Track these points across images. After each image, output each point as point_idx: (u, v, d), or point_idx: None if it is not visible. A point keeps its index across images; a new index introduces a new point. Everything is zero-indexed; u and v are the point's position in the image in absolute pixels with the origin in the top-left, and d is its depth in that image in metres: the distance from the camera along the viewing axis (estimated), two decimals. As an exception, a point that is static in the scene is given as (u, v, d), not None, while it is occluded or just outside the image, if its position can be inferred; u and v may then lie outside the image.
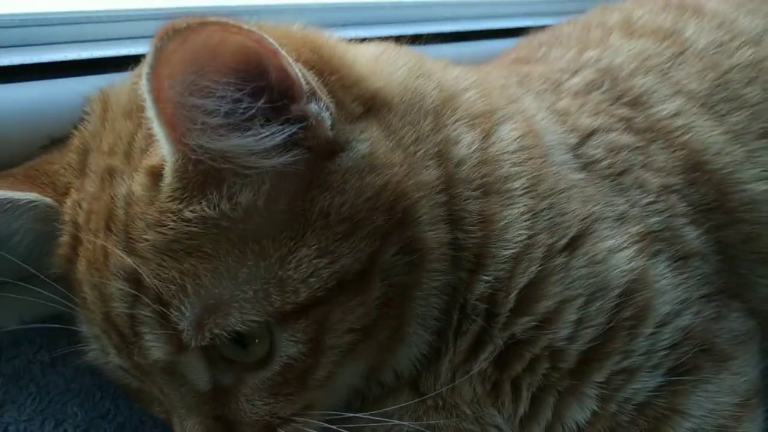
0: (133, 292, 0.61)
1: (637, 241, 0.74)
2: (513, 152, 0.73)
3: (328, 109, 0.62)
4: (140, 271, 0.60)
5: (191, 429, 0.66)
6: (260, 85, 0.58)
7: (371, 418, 0.70)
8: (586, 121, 0.81)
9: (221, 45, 0.54)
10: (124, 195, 0.62)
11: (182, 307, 0.59)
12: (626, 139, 0.82)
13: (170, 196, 0.60)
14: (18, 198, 0.69)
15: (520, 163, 0.73)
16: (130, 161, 0.64)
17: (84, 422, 0.80)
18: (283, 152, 0.60)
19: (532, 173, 0.72)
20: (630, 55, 0.91)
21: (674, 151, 0.83)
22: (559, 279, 0.70)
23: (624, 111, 0.85)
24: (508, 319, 0.70)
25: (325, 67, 0.66)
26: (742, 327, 0.79)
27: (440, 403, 0.73)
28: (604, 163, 0.78)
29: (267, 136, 0.59)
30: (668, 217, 0.77)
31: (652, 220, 0.76)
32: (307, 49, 0.66)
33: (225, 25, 0.53)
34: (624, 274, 0.71)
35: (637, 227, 0.75)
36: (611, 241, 0.72)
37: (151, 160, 0.61)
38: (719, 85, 0.89)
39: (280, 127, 0.59)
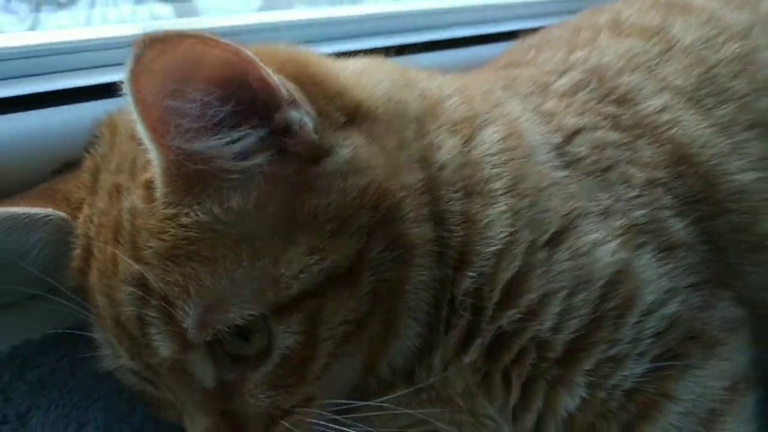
0: (141, 294, 0.65)
1: (621, 234, 0.76)
2: (494, 154, 0.76)
3: (309, 115, 0.66)
4: (146, 276, 0.64)
5: (200, 425, 0.69)
6: (242, 94, 0.62)
7: (376, 404, 0.73)
8: (572, 121, 0.83)
9: (202, 56, 0.59)
10: (129, 209, 0.67)
11: (186, 307, 0.63)
12: (612, 136, 0.83)
13: (165, 202, 0.64)
14: (35, 213, 0.73)
15: (500, 164, 0.75)
16: (134, 178, 0.69)
17: (104, 425, 0.86)
18: (256, 154, 0.65)
19: (513, 173, 0.75)
20: (617, 54, 0.92)
21: (660, 145, 0.84)
22: (541, 273, 0.72)
23: (611, 109, 0.87)
24: (494, 313, 0.72)
25: (307, 80, 0.70)
26: (731, 315, 0.81)
27: (434, 395, 0.75)
28: (589, 160, 0.80)
29: (237, 140, 0.63)
30: (653, 209, 0.79)
31: (637, 213, 0.78)
32: (290, 64, 0.70)
33: (203, 38, 0.58)
34: (608, 265, 0.74)
35: (622, 221, 0.77)
36: (595, 235, 0.74)
37: (146, 175, 0.66)
38: (706, 80, 0.90)
39: (250, 131, 0.64)
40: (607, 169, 0.80)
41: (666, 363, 0.75)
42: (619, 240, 0.75)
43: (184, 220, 0.64)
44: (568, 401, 0.74)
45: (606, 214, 0.77)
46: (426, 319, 0.73)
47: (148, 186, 0.66)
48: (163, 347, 0.66)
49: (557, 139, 0.81)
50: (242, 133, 0.64)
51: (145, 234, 0.65)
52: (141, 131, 0.61)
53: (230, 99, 0.62)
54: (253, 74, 0.62)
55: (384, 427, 0.77)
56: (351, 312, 0.68)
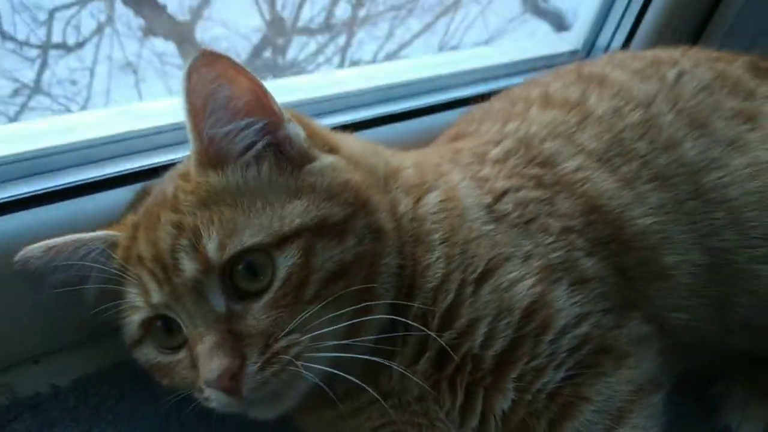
0: (175, 232, 0.82)
1: (538, 273, 0.88)
2: (434, 213, 0.91)
3: (302, 131, 0.89)
4: (182, 220, 0.82)
5: (209, 341, 0.80)
6: (254, 111, 0.86)
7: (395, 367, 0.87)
8: (501, 184, 0.95)
9: (234, 76, 0.82)
10: (171, 187, 0.88)
11: (210, 234, 0.81)
12: (534, 193, 0.95)
13: (198, 172, 0.85)
14: (86, 236, 0.90)
15: (439, 221, 0.90)
16: (172, 183, 0.89)
17: (147, 436, 1.06)
18: (255, 144, 0.87)
19: (448, 228, 0.89)
20: (542, 125, 1.04)
21: (576, 198, 0.95)
22: (469, 303, 0.86)
23: (535, 170, 0.98)
24: (436, 333, 0.85)
25: (298, 120, 0.91)
26: (639, 331, 0.92)
27: (397, 401, 0.88)
28: (514, 215, 0.92)
29: (245, 134, 0.87)
30: (567, 251, 0.91)
31: (553, 255, 0.90)
32: (288, 112, 0.90)
33: (237, 65, 0.82)
34: (525, 297, 0.86)
35: (540, 262, 0.89)
36: (515, 273, 0.87)
37: (182, 169, 0.90)
38: (614, 143, 1.01)
39: (256, 138, 0.87)
40: (529, 221, 0.92)
41: (581, 371, 0.87)
42: (536, 277, 0.87)
43: (212, 179, 0.85)
44: (502, 403, 0.86)
45: (527, 257, 0.89)
46: (389, 325, 0.87)
47: (185, 176, 0.87)
48: (190, 267, 0.81)
49: (488, 199, 0.93)
50: (249, 131, 0.86)
51: (182, 195, 0.85)
52: (186, 118, 0.82)
53: (245, 112, 0.84)
54: (263, 100, 0.85)
55: (359, 429, 0.92)
56: (338, 254, 0.83)
